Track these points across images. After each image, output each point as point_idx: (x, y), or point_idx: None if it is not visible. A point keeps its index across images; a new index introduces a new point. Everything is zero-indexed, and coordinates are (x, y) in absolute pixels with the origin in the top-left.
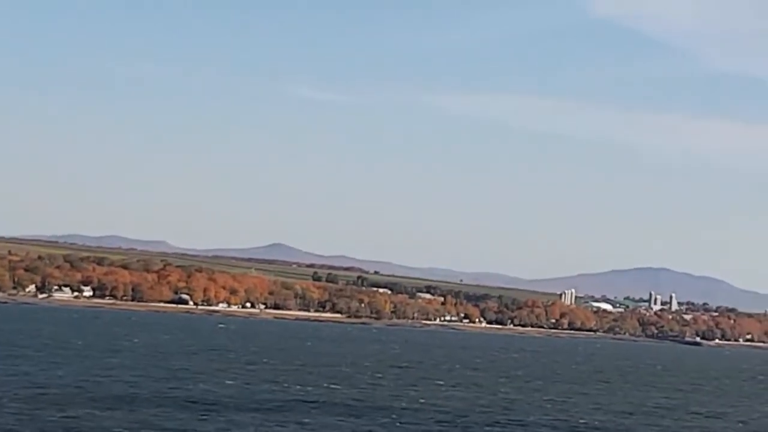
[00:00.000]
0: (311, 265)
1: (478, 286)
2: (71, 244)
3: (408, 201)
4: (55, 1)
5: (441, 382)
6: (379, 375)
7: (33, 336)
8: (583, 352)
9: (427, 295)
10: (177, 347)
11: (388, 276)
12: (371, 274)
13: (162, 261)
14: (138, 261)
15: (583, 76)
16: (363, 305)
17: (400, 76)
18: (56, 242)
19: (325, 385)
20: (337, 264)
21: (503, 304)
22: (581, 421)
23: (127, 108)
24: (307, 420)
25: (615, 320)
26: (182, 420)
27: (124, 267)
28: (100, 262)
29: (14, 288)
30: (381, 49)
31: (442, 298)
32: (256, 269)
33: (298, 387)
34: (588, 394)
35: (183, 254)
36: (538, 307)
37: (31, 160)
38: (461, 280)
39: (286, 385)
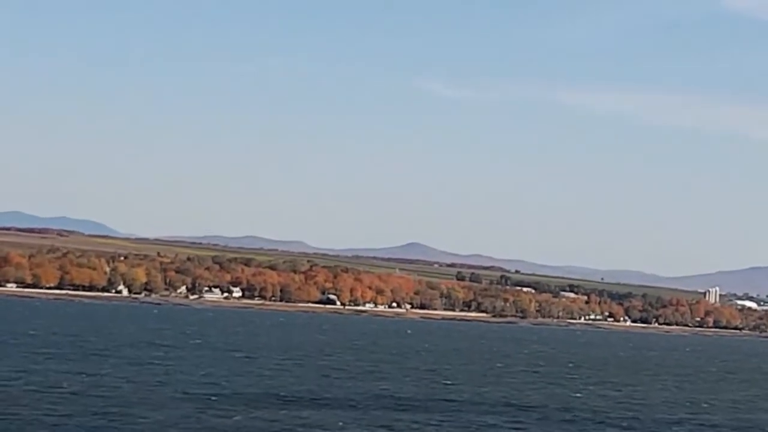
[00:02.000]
0: (452, 265)
1: (620, 284)
2: (214, 245)
3: (542, 199)
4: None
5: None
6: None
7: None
8: (751, 351)
9: (571, 294)
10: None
11: (529, 275)
12: (512, 273)
13: (308, 262)
14: (284, 262)
15: (716, 69)
16: (508, 304)
17: (530, 73)
18: (200, 243)
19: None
20: (473, 263)
21: (647, 303)
22: None
23: (256, 109)
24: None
25: (760, 318)
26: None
27: (272, 268)
28: (247, 263)
29: (166, 289)
30: (509, 46)
31: (585, 297)
32: (400, 269)
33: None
34: None
35: (324, 254)
36: (682, 305)
37: (170, 165)
38: (602, 279)
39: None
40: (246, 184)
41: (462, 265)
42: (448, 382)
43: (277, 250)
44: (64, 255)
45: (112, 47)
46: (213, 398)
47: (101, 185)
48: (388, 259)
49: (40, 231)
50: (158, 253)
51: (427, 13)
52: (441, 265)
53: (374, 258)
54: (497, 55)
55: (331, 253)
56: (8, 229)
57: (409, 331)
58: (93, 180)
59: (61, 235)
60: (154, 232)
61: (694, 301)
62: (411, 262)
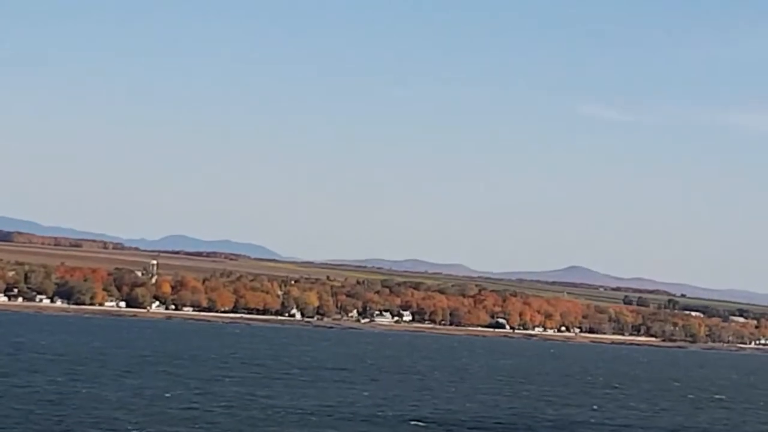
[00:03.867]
0: (617, 289)
1: None
2: (378, 268)
3: (704, 222)
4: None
5: None
6: None
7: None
8: None
9: (741, 319)
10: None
11: (696, 299)
12: (678, 296)
13: (476, 286)
14: (453, 286)
15: None
16: (677, 328)
17: (692, 94)
18: (365, 267)
19: None
20: (636, 286)
21: None
22: None
23: (406, 131)
24: None
25: None
26: None
27: (440, 292)
28: (416, 287)
29: (338, 313)
30: (672, 67)
31: (755, 321)
32: (568, 293)
33: None
34: None
35: (487, 278)
36: None
37: (331, 189)
38: None
39: None
40: (406, 207)
41: (626, 289)
42: None
43: (441, 273)
44: (238, 279)
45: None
46: None
47: (262, 208)
48: (553, 283)
49: (208, 255)
50: (327, 277)
51: (591, 35)
52: (606, 289)
53: (538, 281)
54: (657, 76)
55: (493, 276)
56: (177, 252)
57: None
58: (254, 203)
59: (231, 259)
60: (316, 256)
61: None
62: (575, 285)
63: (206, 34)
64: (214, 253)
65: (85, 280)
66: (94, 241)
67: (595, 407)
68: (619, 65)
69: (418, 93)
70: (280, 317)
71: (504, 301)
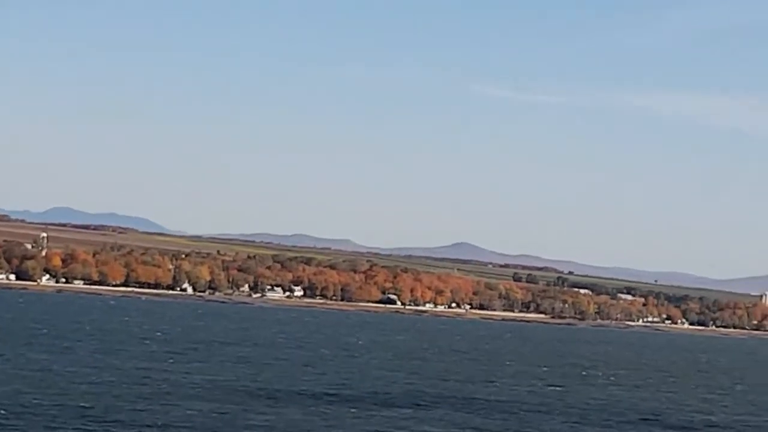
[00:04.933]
0: (505, 265)
1: (675, 287)
2: (267, 243)
3: (590, 201)
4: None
5: None
6: None
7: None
8: None
9: (629, 296)
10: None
11: (584, 276)
12: (566, 274)
13: (368, 261)
14: (344, 261)
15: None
16: (566, 306)
17: (598, 76)
18: (253, 241)
19: None
20: (523, 263)
21: (704, 306)
22: None
23: (302, 111)
24: None
25: None
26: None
27: (332, 267)
28: (308, 262)
29: (230, 288)
30: (565, 49)
31: (642, 299)
32: (458, 269)
33: None
34: None
35: (376, 253)
36: (739, 308)
37: (217, 163)
38: (656, 281)
39: None
40: (293, 181)
41: (514, 266)
42: None
43: (330, 248)
44: (129, 253)
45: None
46: None
47: (148, 181)
48: (442, 259)
49: (96, 228)
50: (218, 252)
51: (484, 17)
52: (494, 266)
53: (427, 258)
54: (550, 58)
55: (381, 252)
56: (65, 225)
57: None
58: (140, 176)
59: (120, 232)
60: (203, 230)
61: (751, 305)
62: (464, 262)
63: None
64: (102, 226)
65: None
66: None
67: (495, 383)
68: (519, 46)
69: (327, 76)
70: (171, 291)
71: (395, 277)
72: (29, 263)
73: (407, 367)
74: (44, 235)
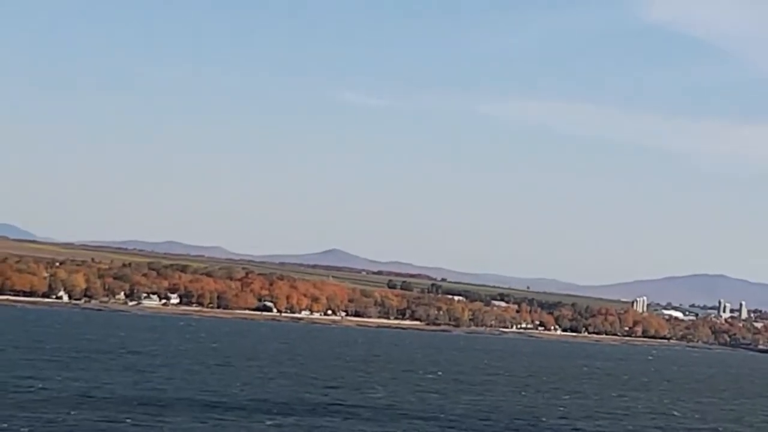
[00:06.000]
0: (379, 272)
1: (547, 293)
2: (140, 250)
3: (458, 207)
4: None
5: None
6: None
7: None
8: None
9: (502, 303)
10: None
11: (457, 283)
12: (439, 281)
13: (243, 269)
14: (220, 269)
15: (631, 81)
16: (441, 312)
17: (445, 82)
18: (125, 249)
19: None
20: (395, 270)
21: (577, 312)
22: None
23: (164, 112)
24: None
25: (687, 328)
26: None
27: (208, 275)
28: (183, 269)
29: (105, 295)
30: (424, 55)
31: (516, 306)
32: (333, 276)
33: None
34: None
35: (249, 260)
36: (611, 314)
37: (84, 168)
38: (528, 287)
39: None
40: (161, 188)
41: (387, 273)
42: None
43: (203, 255)
44: (4, 260)
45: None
46: None
47: (12, 187)
48: (314, 266)
49: None
50: (92, 259)
51: (345, 22)
52: (368, 273)
53: (301, 265)
54: (415, 64)
55: (254, 259)
56: None
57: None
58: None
59: None
60: (72, 237)
61: (622, 311)
62: (338, 269)
63: None
64: None
65: None
66: None
67: (377, 390)
68: (383, 53)
69: (183, 75)
70: (47, 299)
71: (271, 284)
72: None
73: (289, 374)
74: None
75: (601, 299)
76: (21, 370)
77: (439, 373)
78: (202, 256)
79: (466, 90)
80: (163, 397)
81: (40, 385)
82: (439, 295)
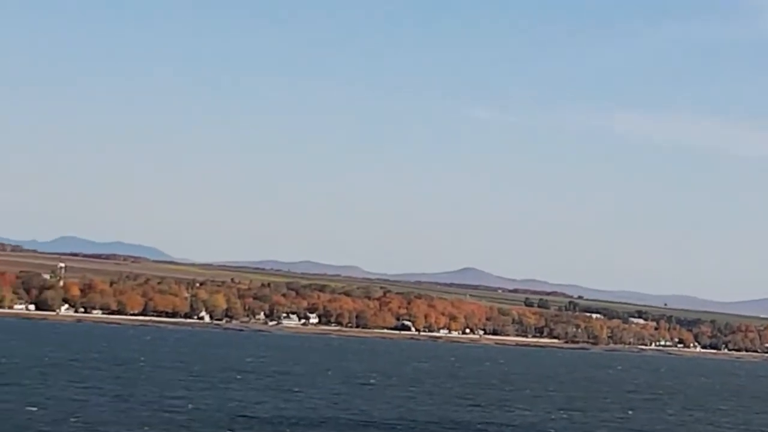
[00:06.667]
0: (515, 290)
1: (686, 310)
2: (277, 270)
3: (589, 223)
4: None
5: None
6: None
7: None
8: None
9: (640, 320)
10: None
11: (594, 300)
12: (576, 298)
13: (381, 288)
14: (358, 288)
15: (749, 92)
16: (579, 330)
17: (573, 96)
18: (263, 269)
19: None
20: (530, 288)
21: (716, 329)
22: None
23: (303, 133)
24: None
25: None
26: None
27: (346, 294)
28: (322, 289)
29: (246, 315)
30: (550, 70)
31: (654, 323)
32: (470, 295)
33: None
34: None
35: (385, 280)
36: (751, 331)
37: (225, 192)
38: (665, 304)
39: None
40: (297, 208)
41: (523, 291)
42: None
43: (339, 275)
44: (146, 282)
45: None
46: None
47: (151, 209)
48: (450, 284)
49: (107, 257)
50: (232, 280)
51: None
52: (504, 291)
53: (437, 284)
54: (542, 80)
55: (389, 278)
56: (76, 254)
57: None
58: (143, 204)
59: (133, 261)
60: (212, 257)
61: (762, 327)
62: (473, 287)
63: None
64: (114, 255)
65: None
66: None
67: (557, 414)
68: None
69: (318, 90)
70: (189, 320)
71: (409, 303)
72: (48, 293)
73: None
74: (62, 265)
75: (740, 316)
76: (170, 390)
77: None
78: (339, 275)
79: (596, 103)
80: (312, 416)
81: (191, 405)
82: (577, 313)
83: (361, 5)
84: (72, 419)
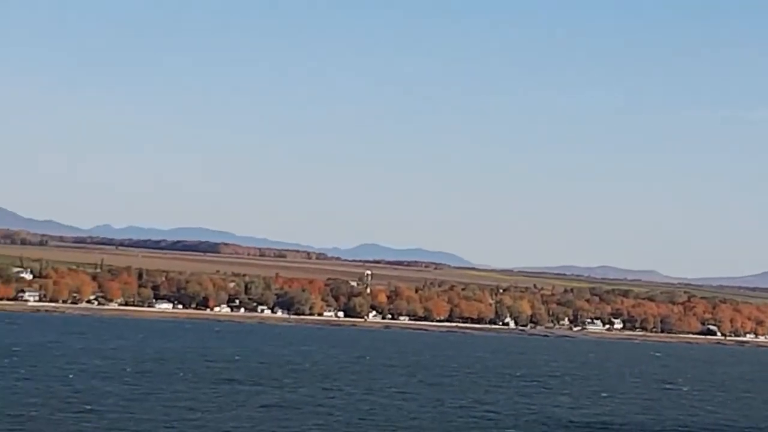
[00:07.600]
0: None
1: None
2: (577, 275)
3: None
4: None
5: None
6: None
7: None
8: None
9: None
10: None
11: None
12: None
13: (685, 293)
14: (662, 293)
15: None
16: None
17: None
18: (563, 275)
19: None
20: None
21: None
22: None
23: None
24: None
25: None
26: None
27: (650, 299)
28: (625, 294)
29: (550, 321)
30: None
31: None
32: None
33: None
34: None
35: (686, 284)
36: None
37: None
38: None
39: None
40: (596, 213)
41: None
42: None
43: (639, 280)
44: (451, 288)
45: None
46: None
47: (450, 217)
48: (754, 289)
49: (408, 264)
50: (534, 286)
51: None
52: None
53: (741, 288)
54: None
55: (691, 283)
56: (378, 261)
57: None
58: (443, 211)
59: (435, 268)
60: (510, 263)
61: None
62: None
63: None
64: (415, 262)
65: (303, 291)
66: (297, 251)
67: None
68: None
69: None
70: (494, 326)
71: (714, 308)
72: (356, 300)
73: None
74: (369, 272)
75: None
76: (474, 393)
77: None
78: (639, 280)
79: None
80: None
81: (487, 408)
82: None
83: None
84: None
